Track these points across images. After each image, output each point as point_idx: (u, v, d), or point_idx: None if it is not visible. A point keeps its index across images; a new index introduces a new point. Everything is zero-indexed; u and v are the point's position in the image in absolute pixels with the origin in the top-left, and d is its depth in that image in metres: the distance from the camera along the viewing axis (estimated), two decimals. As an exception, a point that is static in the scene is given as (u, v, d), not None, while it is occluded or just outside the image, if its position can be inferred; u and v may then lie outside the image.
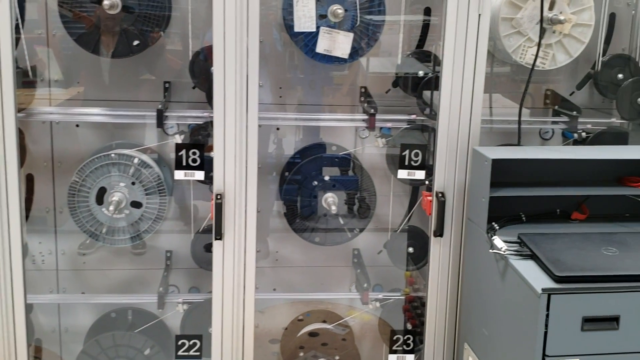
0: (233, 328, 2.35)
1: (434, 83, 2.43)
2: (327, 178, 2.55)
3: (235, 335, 2.36)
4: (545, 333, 1.68)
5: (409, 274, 2.80)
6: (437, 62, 2.48)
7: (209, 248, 2.40)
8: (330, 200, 2.50)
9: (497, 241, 1.92)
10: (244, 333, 2.37)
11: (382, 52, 2.60)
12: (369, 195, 2.62)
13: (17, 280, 2.22)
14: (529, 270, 1.78)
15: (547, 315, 1.67)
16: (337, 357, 2.67)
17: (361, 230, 2.63)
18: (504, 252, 1.88)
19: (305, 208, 2.56)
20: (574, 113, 2.48)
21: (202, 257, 2.56)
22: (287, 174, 2.61)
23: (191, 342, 2.38)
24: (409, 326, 2.66)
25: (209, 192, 2.43)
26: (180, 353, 2.38)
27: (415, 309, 2.71)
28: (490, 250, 1.92)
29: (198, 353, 2.38)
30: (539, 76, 2.57)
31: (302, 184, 2.56)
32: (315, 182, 2.56)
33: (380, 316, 2.79)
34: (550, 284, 1.70)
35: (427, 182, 2.39)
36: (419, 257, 2.65)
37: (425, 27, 2.56)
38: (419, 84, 2.49)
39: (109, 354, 2.49)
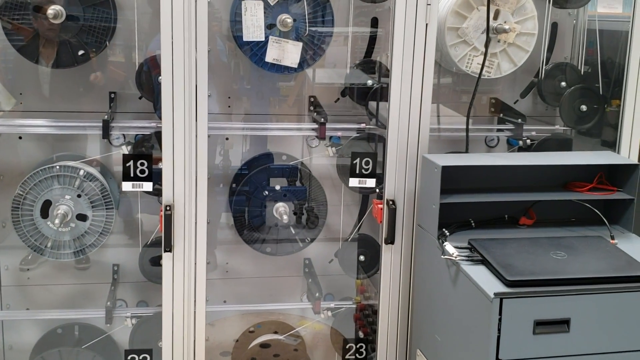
0: (184, 341, 2.31)
1: (379, 93, 2.45)
2: (277, 187, 2.54)
3: (187, 348, 2.32)
4: (498, 337, 1.71)
5: (359, 282, 2.81)
6: (384, 72, 2.51)
7: (157, 261, 2.37)
8: (282, 210, 2.49)
9: (449, 247, 1.94)
10: (195, 346, 2.33)
11: (329, 62, 2.61)
12: (320, 205, 2.62)
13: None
14: (481, 275, 1.80)
15: (500, 320, 1.70)
16: (289, 368, 2.66)
17: (312, 239, 2.63)
18: (456, 257, 1.90)
19: (256, 218, 2.55)
20: (519, 120, 2.53)
21: (151, 271, 2.51)
22: (234, 185, 2.59)
23: (141, 357, 2.33)
24: (361, 334, 2.67)
25: (156, 205, 2.40)
26: (129, 369, 2.33)
27: (366, 317, 2.72)
28: (442, 257, 1.94)
29: (148, 368, 2.34)
30: (483, 85, 2.62)
31: (252, 194, 2.55)
32: (266, 192, 2.54)
33: (332, 325, 2.79)
34: (502, 288, 1.72)
35: (377, 190, 2.41)
36: (370, 265, 2.66)
37: (372, 38, 2.58)
38: (367, 94, 2.51)
39: (56, 371, 2.42)
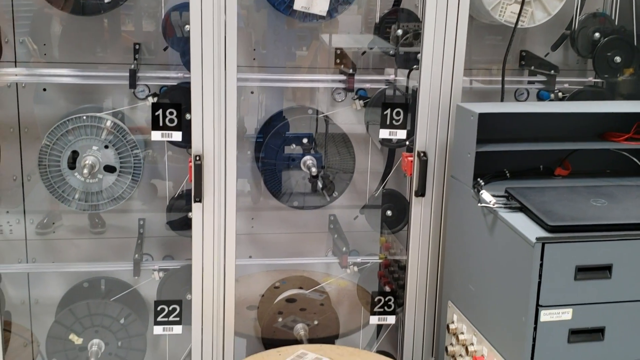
0: (214, 293, 2.31)
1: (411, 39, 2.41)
2: (305, 141, 2.51)
3: (216, 300, 2.32)
4: (539, 283, 1.69)
5: (384, 239, 2.79)
6: (414, 21, 2.47)
7: (184, 218, 2.36)
8: (310, 163, 2.46)
9: (485, 195, 1.92)
10: (225, 297, 2.32)
11: (357, 12, 2.57)
12: (347, 160, 2.59)
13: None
14: (520, 222, 1.78)
15: (541, 265, 1.67)
16: (316, 322, 2.65)
17: (340, 193, 2.60)
18: (493, 205, 1.87)
19: (283, 172, 2.52)
20: (552, 72, 2.48)
21: (178, 224, 2.49)
22: (260, 138, 2.56)
23: (170, 308, 2.33)
24: (387, 290, 2.65)
25: (184, 157, 2.38)
26: (159, 319, 2.32)
27: (391, 273, 2.71)
28: (479, 205, 1.92)
29: (178, 319, 2.33)
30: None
31: (280, 147, 2.52)
32: (293, 146, 2.51)
33: (358, 282, 2.78)
34: (543, 233, 1.70)
35: (407, 143, 2.38)
36: (396, 221, 2.64)
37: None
38: (398, 42, 2.46)
39: (84, 323, 2.42)
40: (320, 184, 2.55)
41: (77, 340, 2.41)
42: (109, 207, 2.37)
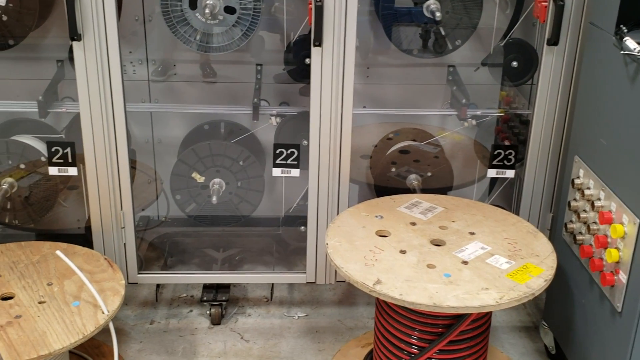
0: (330, 140, 2.31)
1: None
2: (429, -17, 2.38)
3: (332, 148, 2.32)
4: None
5: (504, 93, 2.68)
6: None
7: (302, 61, 2.33)
8: (434, 7, 2.34)
9: (630, 42, 1.77)
10: (341, 145, 2.33)
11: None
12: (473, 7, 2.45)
13: (117, 88, 2.18)
14: (669, 71, 1.64)
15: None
16: (429, 173, 2.63)
17: (463, 41, 2.48)
18: (638, 53, 1.73)
19: (405, 16, 2.41)
20: None
21: (297, 71, 2.47)
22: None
23: (289, 152, 2.35)
24: (506, 144, 2.58)
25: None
26: (278, 162, 2.36)
27: (511, 128, 2.62)
28: (622, 52, 1.77)
29: (295, 162, 2.36)
30: None
31: (401, -9, 2.40)
32: (417, -11, 2.39)
33: (475, 137, 2.71)
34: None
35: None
36: (521, 73, 2.51)
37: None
38: None
39: (206, 163, 2.49)
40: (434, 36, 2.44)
41: (199, 178, 2.50)
42: (227, 50, 2.36)
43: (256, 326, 2.54)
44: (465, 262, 1.96)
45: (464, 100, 2.50)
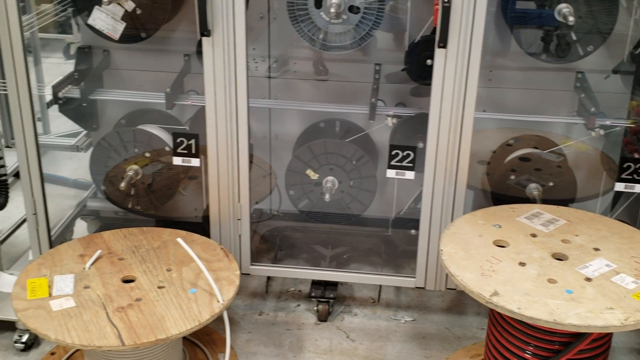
0: (448, 144, 2.27)
1: None
2: (561, -12, 2.29)
3: (450, 151, 2.28)
4: None
5: (635, 103, 2.54)
6: None
7: (424, 62, 2.29)
8: (566, 12, 2.24)
9: None
10: (460, 149, 2.28)
11: None
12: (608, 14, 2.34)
13: (241, 84, 2.23)
14: None
15: None
16: (551, 183, 2.53)
17: (595, 47, 2.37)
18: None
19: (535, 19, 2.33)
20: None
21: (417, 71, 2.44)
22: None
23: (405, 153, 2.33)
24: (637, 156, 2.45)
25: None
26: (393, 163, 2.34)
27: (641, 141, 2.49)
28: None
29: (411, 164, 2.33)
30: None
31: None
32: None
33: (601, 148, 2.59)
34: None
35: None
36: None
37: None
38: None
39: (320, 160, 2.51)
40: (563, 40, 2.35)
41: (313, 175, 2.52)
42: (349, 49, 2.36)
43: (362, 326, 2.54)
44: (588, 279, 1.87)
45: (592, 109, 2.39)
